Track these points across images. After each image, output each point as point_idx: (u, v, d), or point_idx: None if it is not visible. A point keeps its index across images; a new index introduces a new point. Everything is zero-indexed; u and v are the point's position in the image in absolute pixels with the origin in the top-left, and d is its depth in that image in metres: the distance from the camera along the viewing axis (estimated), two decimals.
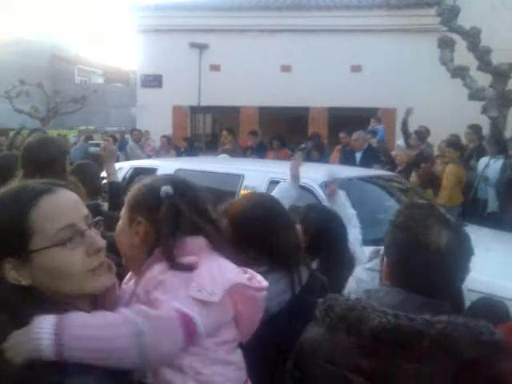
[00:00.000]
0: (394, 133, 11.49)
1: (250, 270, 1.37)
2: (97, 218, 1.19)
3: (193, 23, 13.20)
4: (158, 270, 1.20)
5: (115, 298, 1.22)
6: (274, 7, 13.47)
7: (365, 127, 9.47)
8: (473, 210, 6.47)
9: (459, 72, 8.23)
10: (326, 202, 3.01)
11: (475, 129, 7.68)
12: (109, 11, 76.25)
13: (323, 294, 1.58)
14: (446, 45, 8.42)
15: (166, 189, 1.25)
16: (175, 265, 1.19)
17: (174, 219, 1.23)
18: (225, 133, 9.18)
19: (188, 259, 1.21)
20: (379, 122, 10.09)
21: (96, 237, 1.11)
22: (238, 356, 1.33)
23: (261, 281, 1.32)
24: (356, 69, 12.96)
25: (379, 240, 1.61)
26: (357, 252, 2.51)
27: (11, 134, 11.90)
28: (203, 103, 13.25)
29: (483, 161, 6.66)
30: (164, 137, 10.43)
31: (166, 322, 1.07)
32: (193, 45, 13.20)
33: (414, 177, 5.95)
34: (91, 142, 13.46)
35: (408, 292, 1.23)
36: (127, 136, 11.81)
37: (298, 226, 2.14)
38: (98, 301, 1.16)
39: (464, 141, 8.07)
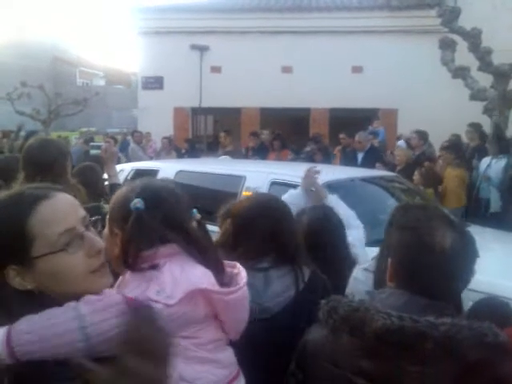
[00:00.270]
0: (395, 133, 11.49)
1: (238, 265, 1.44)
2: (94, 218, 1.22)
3: (193, 25, 13.19)
4: (128, 274, 1.34)
5: None
6: (274, 9, 13.46)
7: (366, 128, 9.46)
8: (475, 210, 6.45)
9: (460, 73, 8.22)
10: (300, 189, 3.01)
11: (476, 127, 7.61)
12: (110, 13, 76.40)
13: (325, 293, 1.58)
14: (447, 46, 8.41)
15: (135, 202, 1.32)
16: (135, 268, 1.31)
17: (138, 231, 1.31)
18: (223, 134, 9.16)
19: (152, 263, 1.30)
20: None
21: (95, 238, 1.13)
22: (224, 354, 1.38)
23: (239, 281, 1.37)
24: (357, 70, 12.95)
25: (382, 241, 1.61)
26: (359, 253, 2.50)
27: (12, 135, 11.92)
28: (204, 105, 13.24)
29: (485, 161, 6.63)
30: (165, 138, 10.42)
31: (107, 302, 1.08)
32: (194, 47, 13.20)
33: (416, 175, 5.95)
34: (92, 144, 13.39)
35: (411, 294, 1.22)
36: (129, 137, 11.78)
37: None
38: None
39: (465, 139, 8.05)
